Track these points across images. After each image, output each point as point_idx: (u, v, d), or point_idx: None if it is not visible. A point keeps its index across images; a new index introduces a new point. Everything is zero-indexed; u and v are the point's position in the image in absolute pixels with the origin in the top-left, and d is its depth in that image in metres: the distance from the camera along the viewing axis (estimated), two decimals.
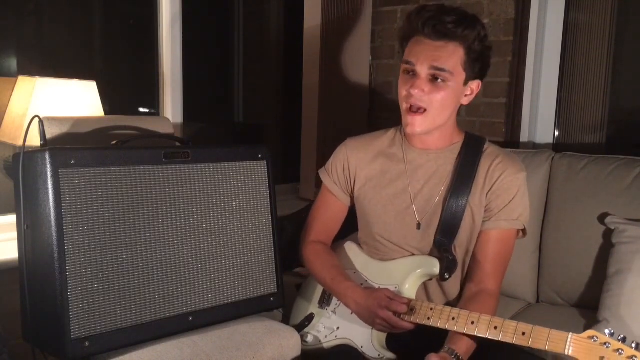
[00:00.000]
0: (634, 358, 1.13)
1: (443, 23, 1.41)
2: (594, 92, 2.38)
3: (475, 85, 1.52)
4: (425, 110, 1.47)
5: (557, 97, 2.45)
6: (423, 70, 1.45)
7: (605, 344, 1.16)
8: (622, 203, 1.82)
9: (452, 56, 1.43)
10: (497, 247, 1.53)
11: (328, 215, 1.72)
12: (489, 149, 1.57)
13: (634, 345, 1.14)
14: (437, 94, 1.46)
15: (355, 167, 1.65)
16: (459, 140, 1.58)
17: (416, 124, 1.48)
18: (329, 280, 1.59)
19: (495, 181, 1.52)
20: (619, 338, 1.15)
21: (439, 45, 1.43)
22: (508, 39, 2.41)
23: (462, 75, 1.47)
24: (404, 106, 1.50)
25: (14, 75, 1.93)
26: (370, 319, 1.47)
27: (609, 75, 2.34)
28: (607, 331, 1.17)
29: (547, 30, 2.39)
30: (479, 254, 1.54)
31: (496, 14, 2.45)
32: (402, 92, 1.49)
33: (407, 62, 1.47)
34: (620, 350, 1.14)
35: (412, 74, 1.47)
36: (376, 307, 1.44)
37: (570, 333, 1.20)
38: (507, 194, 1.52)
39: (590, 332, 1.18)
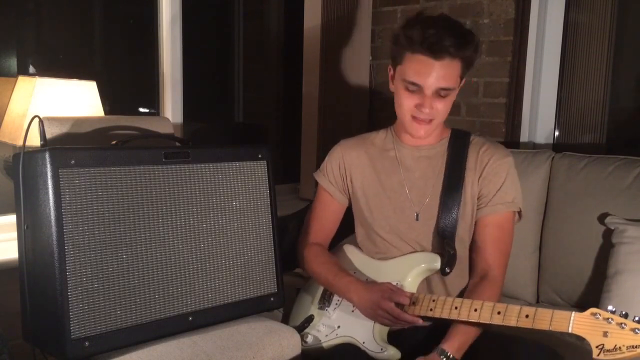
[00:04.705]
0: (636, 330, 1.14)
1: (445, 47, 1.43)
2: (594, 92, 2.38)
3: (462, 83, 1.57)
4: (431, 119, 1.53)
5: (557, 97, 2.45)
6: (429, 89, 1.48)
7: (607, 319, 1.17)
8: (622, 203, 1.81)
9: (454, 72, 1.48)
10: (496, 233, 1.56)
11: (325, 216, 1.73)
12: (475, 139, 1.64)
13: (636, 318, 1.15)
14: (442, 105, 1.51)
15: (351, 165, 1.68)
16: (446, 135, 1.64)
17: (422, 131, 1.55)
18: (330, 277, 1.60)
19: (485, 166, 1.58)
20: (621, 314, 1.17)
21: (443, 64, 1.46)
22: (508, 39, 2.40)
23: (459, 83, 1.54)
24: (408, 116, 1.53)
25: (14, 75, 1.93)
26: (372, 311, 1.48)
27: (609, 75, 2.34)
28: (609, 307, 1.19)
29: (547, 30, 2.39)
30: (479, 241, 1.58)
31: (496, 14, 2.45)
32: (406, 105, 1.52)
33: (413, 84, 1.48)
34: (622, 324, 1.15)
35: (418, 90, 1.49)
36: (379, 298, 1.46)
37: (573, 312, 1.22)
38: (498, 177, 1.57)
39: (592, 310, 1.20)
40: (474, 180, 1.58)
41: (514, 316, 1.29)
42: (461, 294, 1.60)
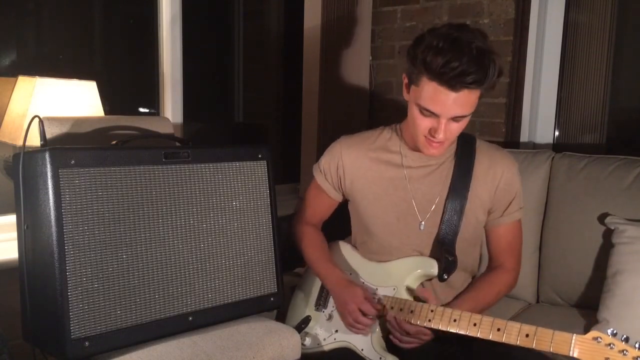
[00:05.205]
0: (638, 359, 1.13)
1: (465, 83, 1.35)
2: (594, 92, 2.38)
3: None
4: (446, 140, 1.47)
5: (557, 97, 2.45)
6: (445, 117, 1.41)
7: (609, 344, 1.16)
8: (622, 203, 1.82)
9: (472, 99, 1.41)
10: (510, 236, 1.62)
11: (319, 207, 1.76)
12: (481, 147, 1.61)
13: (637, 345, 1.15)
14: (457, 126, 1.45)
15: (350, 167, 1.65)
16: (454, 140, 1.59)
17: (434, 151, 1.49)
18: (322, 263, 1.65)
19: (499, 179, 1.57)
20: (622, 338, 1.16)
21: (462, 95, 1.37)
22: (508, 39, 2.41)
23: (477, 103, 1.45)
24: (421, 137, 1.47)
25: (14, 75, 1.93)
26: (341, 309, 1.54)
27: (609, 75, 2.34)
28: (609, 331, 1.18)
29: (547, 30, 2.39)
30: (495, 245, 1.62)
31: (496, 14, 2.45)
32: (420, 126, 1.45)
33: (426, 109, 1.41)
34: (624, 351, 1.15)
35: (432, 116, 1.42)
36: (349, 299, 1.50)
37: (574, 334, 1.21)
38: (512, 187, 1.59)
39: (593, 333, 1.19)
40: (484, 191, 1.56)
41: (514, 334, 1.27)
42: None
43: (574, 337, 1.20)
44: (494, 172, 1.57)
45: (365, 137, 1.68)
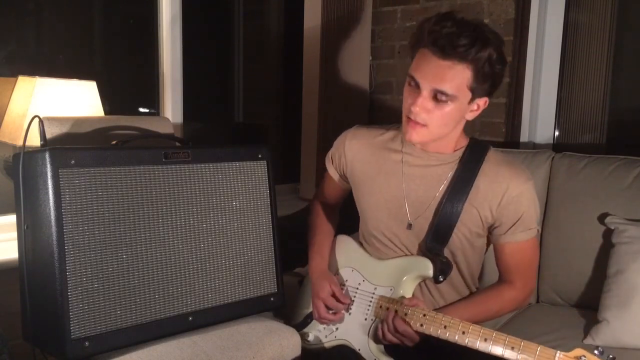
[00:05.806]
0: None
1: (454, 46, 1.33)
2: (594, 92, 2.38)
3: (482, 102, 1.45)
4: (425, 125, 1.42)
5: (557, 97, 2.45)
6: (425, 88, 1.39)
7: None
8: (622, 203, 1.82)
9: (457, 77, 1.36)
10: (519, 256, 1.52)
11: (328, 189, 1.80)
12: (492, 157, 1.52)
13: None
14: (438, 112, 1.40)
15: (352, 158, 1.65)
16: (462, 146, 1.53)
17: (414, 135, 1.44)
18: (309, 239, 1.73)
19: (503, 196, 1.47)
20: (609, 358, 1.15)
21: (446, 65, 1.35)
22: (508, 39, 2.40)
23: (468, 95, 1.40)
24: (405, 116, 1.46)
25: (14, 75, 1.93)
26: (312, 296, 1.60)
27: (609, 75, 2.34)
28: (596, 352, 1.16)
29: (547, 30, 2.39)
30: (500, 264, 1.55)
31: (496, 14, 2.45)
32: (406, 102, 1.45)
33: (412, 77, 1.41)
34: None
35: (416, 87, 1.41)
36: (317, 291, 1.58)
37: (558, 351, 1.20)
38: (517, 207, 1.47)
39: (578, 352, 1.18)
40: (484, 205, 1.48)
41: (500, 345, 1.27)
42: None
43: (557, 354, 1.19)
44: (498, 186, 1.47)
45: (374, 130, 1.66)
